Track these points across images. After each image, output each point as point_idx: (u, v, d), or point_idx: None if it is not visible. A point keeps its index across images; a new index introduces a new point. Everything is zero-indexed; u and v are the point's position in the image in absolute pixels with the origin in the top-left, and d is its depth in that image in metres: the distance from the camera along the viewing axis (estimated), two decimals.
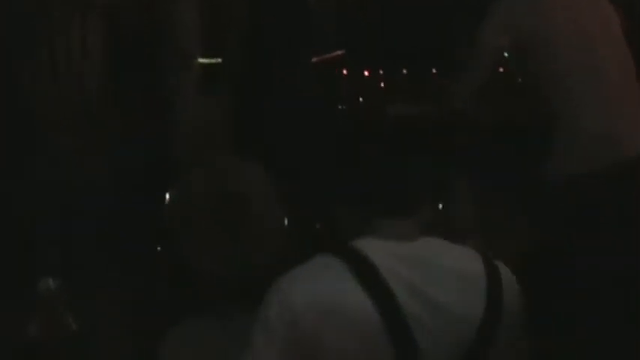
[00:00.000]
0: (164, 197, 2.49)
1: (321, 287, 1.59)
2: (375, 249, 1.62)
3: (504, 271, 1.71)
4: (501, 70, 3.30)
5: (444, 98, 3.27)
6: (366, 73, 3.60)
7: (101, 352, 2.51)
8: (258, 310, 1.62)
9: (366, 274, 1.58)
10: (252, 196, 2.36)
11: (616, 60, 3.09)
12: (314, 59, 3.64)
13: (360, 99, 3.47)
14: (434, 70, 3.61)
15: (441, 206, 2.99)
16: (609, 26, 3.16)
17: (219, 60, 3.44)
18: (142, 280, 2.62)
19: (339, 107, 3.41)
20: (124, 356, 2.63)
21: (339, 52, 3.72)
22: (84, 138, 2.81)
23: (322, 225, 2.95)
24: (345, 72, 3.59)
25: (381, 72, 3.59)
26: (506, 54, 3.17)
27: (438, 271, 1.63)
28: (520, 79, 3.29)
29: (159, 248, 2.53)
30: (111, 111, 2.90)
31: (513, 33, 3.07)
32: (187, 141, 3.04)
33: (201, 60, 3.24)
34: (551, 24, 3.06)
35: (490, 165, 3.30)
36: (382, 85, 3.59)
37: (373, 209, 1.69)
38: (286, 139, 3.29)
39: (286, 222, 2.39)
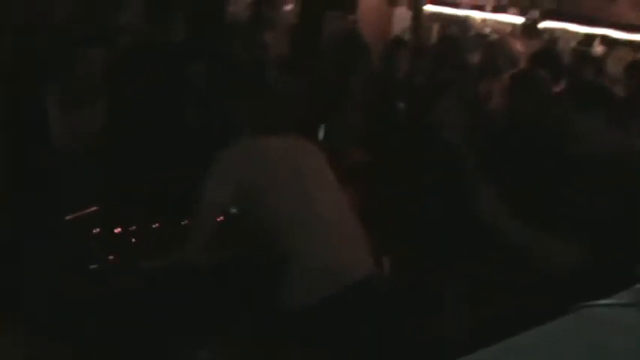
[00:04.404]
0: None
1: None
2: None
3: None
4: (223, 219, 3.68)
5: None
6: (117, 230, 3.77)
7: None
8: None
9: None
10: None
11: (331, 199, 3.59)
12: (68, 217, 3.79)
13: (111, 257, 3.63)
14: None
15: None
16: (322, 170, 3.66)
17: None
18: None
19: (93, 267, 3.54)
20: None
21: (93, 208, 3.86)
22: None
23: None
24: (98, 230, 3.73)
25: (134, 227, 3.80)
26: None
27: None
28: (247, 224, 3.67)
29: None
30: None
31: (235, 187, 3.49)
32: None
33: None
34: (269, 174, 3.51)
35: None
36: (134, 240, 3.77)
37: None
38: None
39: None
